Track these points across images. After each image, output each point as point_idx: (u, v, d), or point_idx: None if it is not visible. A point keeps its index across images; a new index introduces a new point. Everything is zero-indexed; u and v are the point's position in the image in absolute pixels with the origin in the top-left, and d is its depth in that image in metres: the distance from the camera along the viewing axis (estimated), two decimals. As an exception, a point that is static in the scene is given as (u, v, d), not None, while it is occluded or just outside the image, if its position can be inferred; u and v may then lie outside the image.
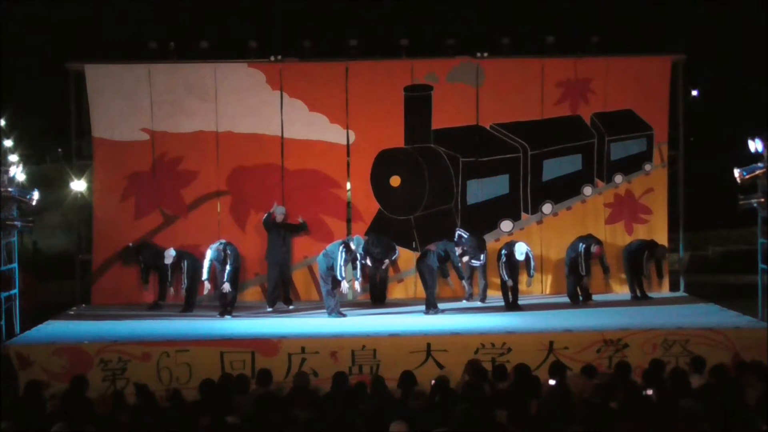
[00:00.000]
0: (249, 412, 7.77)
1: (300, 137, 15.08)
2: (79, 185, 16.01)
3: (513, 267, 13.68)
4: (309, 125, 15.03)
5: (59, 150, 25.16)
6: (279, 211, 14.34)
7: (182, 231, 14.91)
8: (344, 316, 13.28)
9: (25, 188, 13.31)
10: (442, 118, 15.19)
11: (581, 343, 11.35)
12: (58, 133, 19.25)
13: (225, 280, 13.43)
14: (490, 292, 14.47)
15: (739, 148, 13.18)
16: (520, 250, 13.60)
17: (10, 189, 12.66)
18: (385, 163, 15.19)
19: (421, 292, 14.17)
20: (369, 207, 15.20)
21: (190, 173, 15.03)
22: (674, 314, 12.97)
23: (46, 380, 10.59)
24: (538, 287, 15.08)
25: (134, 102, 14.96)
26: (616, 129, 15.36)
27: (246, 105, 15.03)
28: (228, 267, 13.42)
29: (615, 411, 7.44)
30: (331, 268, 13.15)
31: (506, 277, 13.66)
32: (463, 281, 14.45)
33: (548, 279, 15.21)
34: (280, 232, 14.32)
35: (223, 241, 13.74)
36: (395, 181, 15.22)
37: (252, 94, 15.04)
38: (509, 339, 11.37)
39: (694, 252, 21.29)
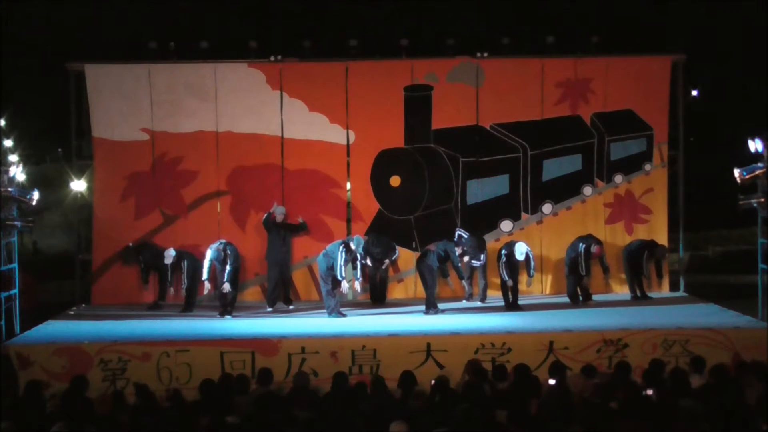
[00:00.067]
0: (249, 412, 7.76)
1: (300, 137, 15.08)
2: (79, 185, 16.02)
3: (513, 267, 13.67)
4: (309, 125, 15.03)
5: (59, 150, 25.19)
6: (279, 211, 14.34)
7: (182, 231, 14.90)
8: (344, 316, 13.28)
9: (25, 188, 13.31)
10: (442, 118, 15.19)
11: (581, 343, 11.35)
12: (58, 133, 19.25)
13: (225, 280, 13.43)
14: (490, 292, 14.47)
15: (739, 148, 13.18)
16: (520, 250, 13.60)
17: (10, 189, 12.66)
18: (385, 163, 15.19)
19: (421, 292, 14.17)
20: (369, 207, 15.20)
21: (190, 173, 15.03)
22: (674, 314, 12.96)
23: (46, 380, 10.59)
24: (538, 287, 15.08)
25: (134, 102, 14.96)
26: (616, 129, 15.36)
27: (246, 105, 15.03)
28: (228, 267, 13.42)
29: (615, 411, 7.44)
30: (331, 268, 13.15)
31: (506, 277, 13.66)
32: (463, 281, 14.45)
33: (548, 279, 15.21)
34: (280, 232, 14.32)
35: (223, 241, 13.74)
36: (395, 181, 15.22)
37: (252, 94, 15.04)
38: (509, 339, 11.37)
39: (694, 252, 21.29)
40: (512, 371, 9.20)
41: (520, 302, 13.80)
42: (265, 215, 14.40)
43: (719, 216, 22.22)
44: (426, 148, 15.21)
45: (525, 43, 15.37)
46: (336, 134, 15.08)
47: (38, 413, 8.07)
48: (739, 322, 12.24)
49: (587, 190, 15.38)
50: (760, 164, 12.85)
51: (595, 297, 14.27)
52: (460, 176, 15.23)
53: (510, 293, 13.78)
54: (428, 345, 11.29)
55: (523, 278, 14.00)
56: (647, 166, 15.39)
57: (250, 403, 8.18)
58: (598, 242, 14.15)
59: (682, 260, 15.74)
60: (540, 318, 12.82)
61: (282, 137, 15.09)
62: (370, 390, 8.86)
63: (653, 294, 14.68)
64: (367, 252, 13.75)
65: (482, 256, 14.14)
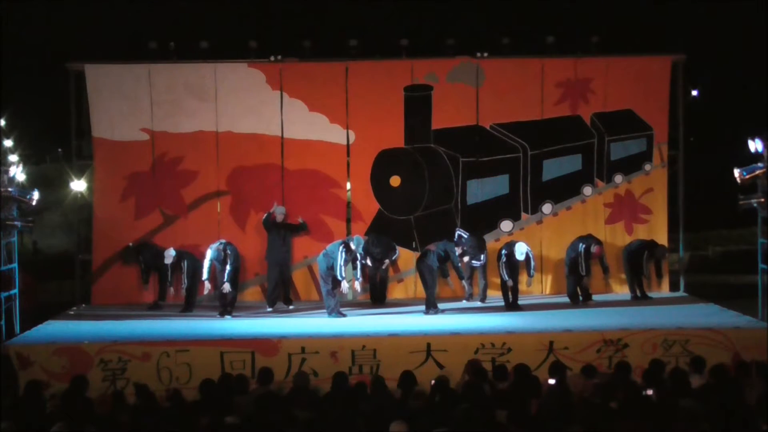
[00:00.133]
0: (249, 412, 7.76)
1: (300, 137, 15.08)
2: (79, 185, 16.02)
3: (513, 267, 13.67)
4: (309, 125, 15.03)
5: (59, 150, 25.18)
6: (279, 211, 14.34)
7: (182, 231, 14.90)
8: (344, 316, 13.28)
9: (25, 188, 13.31)
10: (442, 118, 15.19)
11: (581, 343, 11.35)
12: (58, 133, 19.25)
13: (225, 280, 13.42)
14: (490, 292, 14.47)
15: (739, 148, 13.18)
16: (520, 250, 13.60)
17: (10, 189, 12.66)
18: (385, 163, 15.19)
19: (421, 292, 14.17)
20: (369, 207, 15.20)
21: (190, 173, 15.03)
22: (674, 314, 12.96)
23: (46, 380, 10.59)
24: (538, 287, 15.08)
25: (134, 102, 14.96)
26: (616, 129, 15.36)
27: (246, 105, 15.03)
28: (228, 267, 13.42)
29: (615, 411, 7.44)
30: (331, 268, 13.14)
31: (506, 277, 13.66)
32: (463, 281, 14.46)
33: (548, 279, 15.21)
34: (280, 232, 14.32)
35: (223, 241, 13.74)
36: (395, 181, 15.22)
37: (252, 94, 15.04)
38: (509, 339, 11.37)
39: (694, 252, 21.29)
40: (512, 371, 9.20)
41: (520, 302, 13.80)
42: (265, 215, 14.40)
43: (719, 216, 22.24)
44: (426, 148, 15.21)
45: (525, 43, 15.37)
46: (336, 134, 15.08)
47: (38, 413, 8.08)
48: (739, 322, 12.24)
49: (587, 190, 15.38)
50: (760, 164, 12.85)
51: (595, 297, 14.27)
52: (460, 176, 15.23)
53: (510, 293, 13.77)
54: (428, 345, 11.29)
55: (523, 278, 13.99)
56: (647, 166, 15.39)
57: (250, 403, 8.18)
58: (598, 242, 14.15)
59: (682, 260, 15.74)
60: (540, 318, 12.82)
61: (282, 137, 15.09)
62: (370, 390, 8.86)
63: (653, 294, 14.68)
64: (367, 252, 13.75)
65: (482, 256, 14.15)
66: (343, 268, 13.06)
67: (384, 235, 14.47)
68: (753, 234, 14.27)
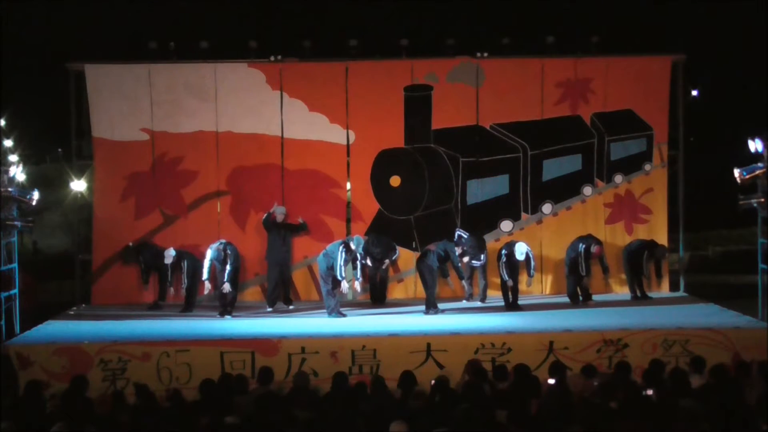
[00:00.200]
0: (249, 412, 7.76)
1: (300, 137, 15.08)
2: (79, 185, 16.01)
3: (513, 267, 13.67)
4: (309, 125, 15.03)
5: (59, 150, 25.15)
6: (279, 211, 14.34)
7: (182, 231, 14.91)
8: (344, 316, 13.28)
9: (25, 188, 13.32)
10: (442, 118, 15.19)
11: (581, 343, 11.35)
12: (58, 133, 19.24)
13: (225, 280, 13.42)
14: (490, 292, 14.47)
15: (739, 148, 13.19)
16: (520, 250, 13.60)
17: (10, 189, 12.66)
18: (385, 163, 15.19)
19: (421, 292, 14.17)
20: (369, 207, 15.20)
21: (190, 173, 15.03)
22: (674, 314, 12.96)
23: (46, 380, 10.59)
24: (538, 287, 15.08)
25: (134, 102, 14.96)
26: (616, 129, 15.37)
27: (246, 105, 15.04)
28: (228, 267, 13.42)
29: (615, 411, 7.44)
30: (331, 268, 13.15)
31: (506, 277, 13.66)
32: (463, 281, 14.46)
33: (548, 279, 15.22)
34: (280, 232, 14.32)
35: (223, 241, 13.74)
36: (395, 181, 15.22)
37: (252, 94, 15.04)
38: (509, 339, 11.37)
39: (694, 252, 21.29)
40: (512, 371, 9.20)
41: (520, 302, 13.80)
42: (265, 215, 14.40)
43: (719, 216, 22.23)
44: (426, 148, 15.21)
45: (525, 43, 15.36)
46: (336, 134, 15.08)
47: (38, 413, 8.07)
48: (739, 322, 12.24)
49: (587, 190, 15.38)
50: (760, 164, 12.86)
51: (595, 297, 14.27)
52: (460, 176, 15.23)
53: (510, 293, 13.78)
54: (428, 345, 11.29)
55: (523, 278, 13.99)
56: (647, 166, 15.39)
57: (250, 403, 8.18)
58: (598, 242, 14.15)
59: (682, 260, 15.74)
60: (540, 318, 12.82)
61: (282, 137, 15.09)
62: (370, 390, 8.86)
63: (653, 294, 14.68)
64: (367, 252, 13.75)
65: (482, 256, 14.15)
66: (343, 268, 13.06)
67: (384, 235, 14.47)
68: (753, 234, 14.28)
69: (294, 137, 15.08)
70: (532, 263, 13.87)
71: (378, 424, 7.21)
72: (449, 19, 22.37)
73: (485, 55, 15.19)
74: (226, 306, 13.54)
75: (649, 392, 8.43)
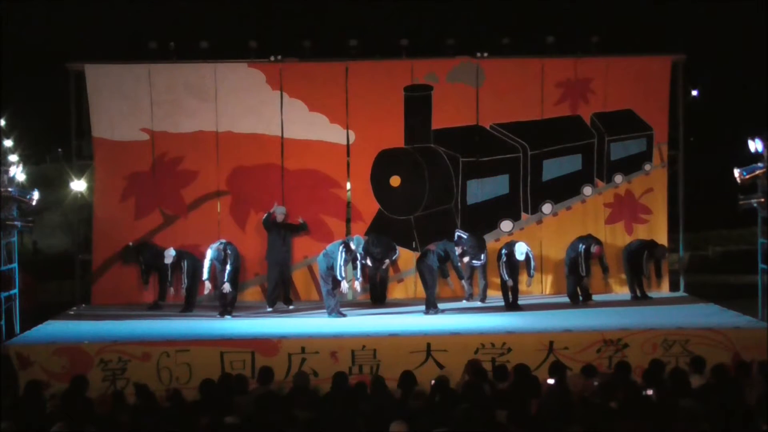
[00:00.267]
0: (249, 412, 7.76)
1: (300, 137, 15.08)
2: (79, 185, 16.00)
3: (513, 267, 13.67)
4: (309, 125, 15.03)
5: (59, 150, 25.14)
6: (279, 211, 14.34)
7: (182, 231, 14.91)
8: (344, 316, 13.28)
9: (25, 188, 13.32)
10: (442, 118, 15.19)
11: (581, 343, 11.35)
12: (58, 133, 19.24)
13: (225, 280, 13.43)
14: (490, 292, 14.47)
15: (739, 148, 13.19)
16: (520, 250, 13.60)
17: (10, 189, 12.66)
18: (385, 163, 15.19)
19: (421, 292, 14.17)
20: (369, 207, 15.20)
21: (190, 173, 15.03)
22: (674, 314, 12.96)
23: (46, 380, 10.59)
24: (538, 287, 15.08)
25: (134, 102, 14.97)
26: (616, 129, 15.37)
27: (246, 105, 15.04)
28: (228, 267, 13.42)
29: (615, 411, 7.44)
30: (331, 268, 13.15)
31: (506, 277, 13.66)
32: (463, 281, 14.46)
33: (548, 279, 15.22)
34: (280, 232, 14.32)
35: (224, 240, 13.74)
36: (395, 181, 15.22)
37: (252, 94, 15.05)
38: (509, 339, 11.37)
39: (694, 252, 21.28)
40: (512, 371, 9.20)
41: (520, 302, 13.80)
42: (265, 215, 14.40)
43: (719, 216, 22.22)
44: (426, 148, 15.21)
45: (525, 43, 15.36)
46: (336, 134, 15.08)
47: (38, 413, 8.08)
48: (739, 322, 12.24)
49: (587, 190, 15.38)
50: (760, 164, 12.86)
51: (595, 297, 14.27)
52: (460, 176, 15.23)
53: (510, 293, 13.78)
54: (428, 345, 11.29)
55: (523, 278, 14.00)
56: (647, 166, 15.39)
57: (250, 403, 8.18)
58: (598, 242, 14.16)
59: (682, 260, 15.74)
60: (540, 318, 12.82)
61: (282, 137, 15.09)
62: (370, 390, 8.86)
63: (653, 294, 14.68)
64: (367, 252, 13.75)
65: (482, 256, 14.15)
66: (343, 268, 13.06)
67: (384, 235, 14.47)
68: (753, 234, 14.27)
69: (294, 137, 15.08)
70: (532, 263, 13.87)
71: (378, 424, 7.21)
72: (449, 19, 22.36)
73: (485, 55, 15.19)
74: (226, 306, 13.54)
75: (649, 392, 8.43)
